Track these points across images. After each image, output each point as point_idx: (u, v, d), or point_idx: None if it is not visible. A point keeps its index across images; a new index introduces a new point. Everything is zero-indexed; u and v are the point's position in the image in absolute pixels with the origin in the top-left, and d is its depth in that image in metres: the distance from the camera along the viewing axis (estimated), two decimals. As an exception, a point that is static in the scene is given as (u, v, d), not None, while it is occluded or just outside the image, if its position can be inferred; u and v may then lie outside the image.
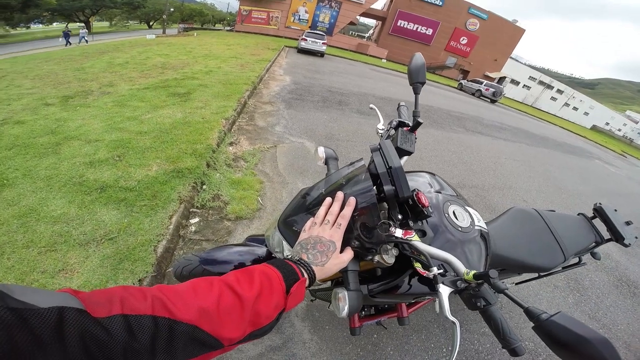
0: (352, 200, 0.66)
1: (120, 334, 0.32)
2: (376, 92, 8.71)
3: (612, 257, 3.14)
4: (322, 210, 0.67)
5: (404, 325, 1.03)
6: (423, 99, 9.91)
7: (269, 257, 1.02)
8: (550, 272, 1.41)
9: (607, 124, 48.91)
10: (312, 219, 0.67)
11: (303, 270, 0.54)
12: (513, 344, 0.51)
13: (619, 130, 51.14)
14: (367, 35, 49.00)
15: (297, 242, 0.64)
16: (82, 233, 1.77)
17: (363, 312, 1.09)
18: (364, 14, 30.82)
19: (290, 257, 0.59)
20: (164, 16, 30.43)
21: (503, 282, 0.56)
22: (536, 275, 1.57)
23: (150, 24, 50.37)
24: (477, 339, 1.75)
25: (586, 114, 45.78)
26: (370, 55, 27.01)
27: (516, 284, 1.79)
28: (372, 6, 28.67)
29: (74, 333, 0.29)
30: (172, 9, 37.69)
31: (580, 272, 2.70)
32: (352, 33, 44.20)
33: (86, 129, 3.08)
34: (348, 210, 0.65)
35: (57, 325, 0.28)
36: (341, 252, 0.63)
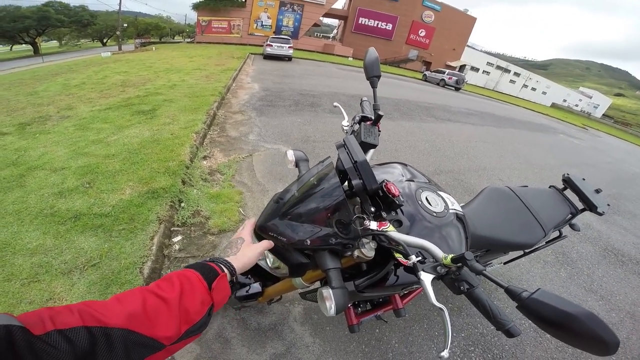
0: (249, 222, 0.76)
1: (63, 346, 0.34)
2: (346, 90, 8.81)
3: (592, 226, 3.32)
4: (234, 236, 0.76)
5: (403, 317, 1.03)
6: (392, 93, 10.15)
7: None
8: (535, 248, 1.44)
9: (565, 100, 52.25)
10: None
11: (221, 265, 0.57)
12: (506, 324, 0.50)
13: (576, 105, 54.73)
14: (332, 35, 49.57)
15: None
16: (63, 262, 1.69)
17: (359, 309, 1.09)
18: (327, 15, 31.18)
19: (207, 258, 0.63)
20: (118, 32, 29.15)
21: (485, 264, 0.55)
22: (522, 252, 1.61)
23: (104, 41, 48.13)
24: (479, 322, 1.78)
25: (544, 93, 48.72)
26: (337, 55, 27.32)
27: (504, 263, 1.83)
28: (333, 6, 29.08)
29: (26, 349, 0.31)
30: (125, 25, 36.14)
31: (565, 245, 2.79)
32: (317, 35, 44.52)
33: (50, 157, 2.88)
34: (248, 224, 0.75)
35: (8, 341, 0.30)
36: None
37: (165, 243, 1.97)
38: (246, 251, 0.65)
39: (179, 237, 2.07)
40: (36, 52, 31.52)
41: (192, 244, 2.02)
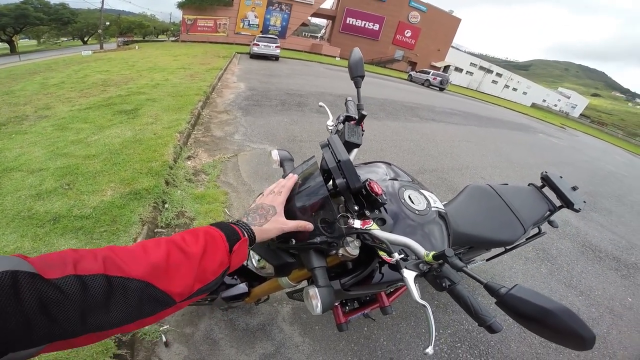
0: (293, 176, 0.75)
1: (74, 293, 0.33)
2: (333, 90, 8.84)
3: (571, 223, 3.43)
4: (273, 185, 0.74)
5: (390, 314, 1.05)
6: (378, 93, 10.26)
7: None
8: (515, 245, 1.47)
9: (544, 101, 54.00)
10: (263, 190, 0.73)
11: (244, 231, 0.57)
12: (487, 320, 0.51)
13: (555, 105, 56.58)
14: (319, 35, 49.57)
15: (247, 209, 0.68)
16: None
17: (347, 307, 1.10)
18: (315, 14, 31.19)
19: (231, 220, 0.62)
20: (100, 30, 28.26)
21: (468, 260, 0.57)
22: (503, 249, 1.64)
23: (85, 39, 46.52)
24: (465, 319, 1.81)
25: (524, 93, 50.23)
26: (325, 55, 27.36)
27: (487, 260, 1.86)
28: (322, 6, 29.10)
29: (30, 295, 0.30)
30: (107, 23, 35.07)
31: (545, 241, 2.86)
32: (305, 34, 44.42)
33: (27, 158, 2.78)
34: (289, 182, 0.73)
35: (12, 288, 0.29)
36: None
37: None
38: (273, 225, 0.62)
39: None
40: (13, 50, 30.16)
41: None
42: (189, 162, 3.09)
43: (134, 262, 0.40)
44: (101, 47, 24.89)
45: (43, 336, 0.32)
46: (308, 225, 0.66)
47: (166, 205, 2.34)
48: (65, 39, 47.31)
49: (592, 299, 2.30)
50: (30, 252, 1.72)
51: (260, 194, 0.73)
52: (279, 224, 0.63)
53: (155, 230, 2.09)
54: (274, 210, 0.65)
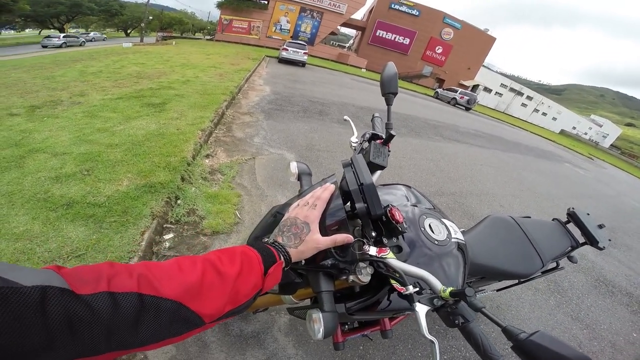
0: (330, 186, 0.69)
1: (104, 311, 0.33)
2: (356, 102, 8.84)
3: (587, 257, 3.27)
4: (308, 195, 0.69)
5: (389, 338, 1.01)
6: (402, 108, 10.17)
7: None
8: (530, 277, 1.43)
9: (574, 128, 51.95)
10: (298, 201, 0.68)
11: (280, 254, 0.55)
12: (495, 359, 0.49)
13: (585, 134, 54.36)
14: (347, 45, 50.09)
15: (279, 223, 0.65)
16: (47, 250, 1.67)
17: (346, 326, 1.07)
18: (345, 24, 31.58)
19: (267, 240, 0.60)
20: (142, 24, 29.86)
21: (477, 289, 0.54)
22: (516, 281, 1.59)
23: (128, 31, 49.25)
24: (463, 345, 1.75)
25: (554, 119, 48.52)
26: (351, 65, 27.58)
27: (497, 290, 1.81)
28: (352, 16, 29.44)
29: (58, 312, 0.29)
30: (150, 17, 37.03)
31: (559, 274, 2.74)
32: (333, 43, 45.01)
33: (53, 141, 2.91)
34: (325, 193, 0.67)
35: (40, 304, 0.28)
36: (325, 235, 0.63)
37: (155, 239, 1.95)
38: (307, 245, 0.59)
39: (171, 235, 2.05)
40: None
41: (183, 243, 2.00)
42: (207, 161, 3.16)
43: (169, 281, 0.40)
44: (141, 40, 26.28)
45: (63, 354, 0.31)
46: (348, 238, 0.63)
47: (179, 202, 2.37)
48: (111, 30, 50.36)
49: (596, 332, 2.21)
50: (37, 235, 1.76)
51: (296, 202, 0.69)
52: (313, 243, 0.60)
53: (164, 226, 2.11)
54: (308, 228, 0.61)
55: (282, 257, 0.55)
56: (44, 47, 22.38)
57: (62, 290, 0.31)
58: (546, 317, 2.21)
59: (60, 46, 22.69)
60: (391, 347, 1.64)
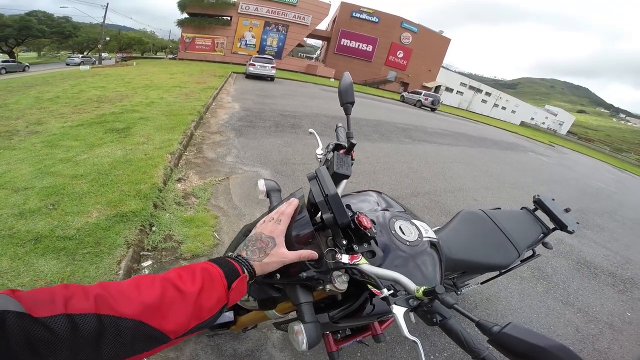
0: (294, 201, 0.71)
1: (64, 333, 0.32)
2: (328, 111, 8.98)
3: (564, 241, 3.46)
4: (273, 212, 0.70)
5: (383, 342, 1.02)
6: (371, 114, 10.47)
7: None
8: (510, 268, 1.47)
9: (532, 119, 55.66)
10: (264, 217, 0.69)
11: (243, 267, 0.56)
12: (481, 353, 0.50)
13: (543, 123, 58.34)
14: (315, 56, 51.03)
15: (245, 239, 0.66)
16: (20, 285, 1.60)
17: (338, 335, 1.07)
18: (311, 36, 32.26)
19: (230, 255, 0.61)
20: (100, 45, 28.69)
21: (462, 284, 0.56)
22: (497, 273, 1.64)
23: (85, 53, 47.09)
24: (451, 346, 1.78)
25: (513, 112, 51.82)
26: (319, 76, 28.08)
27: (481, 283, 1.86)
28: (317, 27, 30.12)
29: (18, 336, 0.29)
30: (107, 38, 35.73)
31: (540, 260, 2.85)
32: (300, 55, 45.68)
33: (12, 176, 2.72)
34: (289, 208, 0.68)
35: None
36: (292, 249, 0.64)
37: (133, 267, 1.91)
38: (272, 258, 0.60)
39: (149, 262, 1.99)
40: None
41: (162, 269, 1.94)
42: (179, 185, 3.06)
43: (127, 300, 0.40)
44: (99, 62, 25.16)
45: None
46: (312, 254, 0.63)
47: (153, 229, 2.30)
48: (66, 53, 47.87)
49: (590, 315, 2.29)
50: (7, 271, 1.68)
51: (262, 219, 0.70)
52: (279, 256, 0.61)
53: (141, 253, 2.05)
54: (273, 243, 0.62)
55: (245, 271, 0.55)
56: None
57: (20, 314, 0.31)
58: (537, 305, 2.28)
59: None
60: (389, 350, 1.66)
